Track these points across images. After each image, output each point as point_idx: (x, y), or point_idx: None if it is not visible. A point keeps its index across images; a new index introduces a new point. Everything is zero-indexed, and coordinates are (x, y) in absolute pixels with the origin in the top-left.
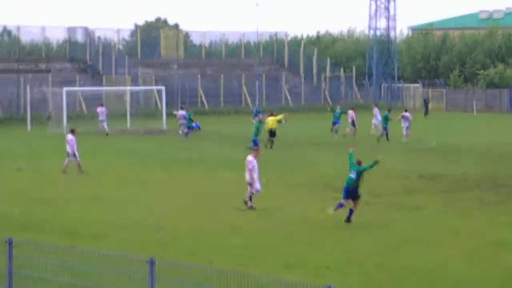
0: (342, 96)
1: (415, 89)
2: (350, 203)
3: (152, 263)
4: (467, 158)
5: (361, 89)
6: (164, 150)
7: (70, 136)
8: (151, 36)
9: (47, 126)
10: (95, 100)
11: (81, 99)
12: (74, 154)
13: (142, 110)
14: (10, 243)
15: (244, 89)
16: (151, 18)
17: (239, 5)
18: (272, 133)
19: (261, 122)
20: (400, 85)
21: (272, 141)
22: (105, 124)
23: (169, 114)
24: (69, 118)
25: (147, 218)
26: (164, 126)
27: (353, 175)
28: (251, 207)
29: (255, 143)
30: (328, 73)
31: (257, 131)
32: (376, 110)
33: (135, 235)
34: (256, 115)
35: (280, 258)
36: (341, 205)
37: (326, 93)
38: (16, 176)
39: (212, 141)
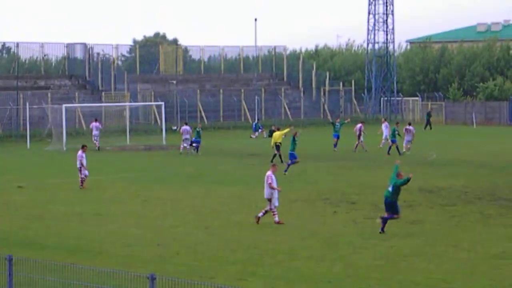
0: (341, 109)
1: (414, 102)
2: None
3: (152, 279)
4: (467, 171)
5: (360, 102)
6: (164, 165)
7: (79, 152)
8: (150, 51)
9: (47, 143)
10: (94, 117)
11: (81, 116)
12: (80, 170)
13: (141, 126)
14: (10, 260)
15: (244, 103)
16: (150, 33)
17: (237, 19)
18: (277, 148)
19: (295, 136)
20: (399, 98)
21: (279, 155)
22: (98, 140)
23: (169, 130)
24: (68, 134)
25: (147, 234)
26: (164, 142)
27: (390, 188)
28: (257, 218)
29: (293, 156)
30: (327, 87)
31: (294, 145)
32: (385, 124)
33: (136, 251)
34: (255, 130)
35: (281, 273)
36: (386, 219)
37: (326, 107)
38: (16, 193)
39: (211, 156)
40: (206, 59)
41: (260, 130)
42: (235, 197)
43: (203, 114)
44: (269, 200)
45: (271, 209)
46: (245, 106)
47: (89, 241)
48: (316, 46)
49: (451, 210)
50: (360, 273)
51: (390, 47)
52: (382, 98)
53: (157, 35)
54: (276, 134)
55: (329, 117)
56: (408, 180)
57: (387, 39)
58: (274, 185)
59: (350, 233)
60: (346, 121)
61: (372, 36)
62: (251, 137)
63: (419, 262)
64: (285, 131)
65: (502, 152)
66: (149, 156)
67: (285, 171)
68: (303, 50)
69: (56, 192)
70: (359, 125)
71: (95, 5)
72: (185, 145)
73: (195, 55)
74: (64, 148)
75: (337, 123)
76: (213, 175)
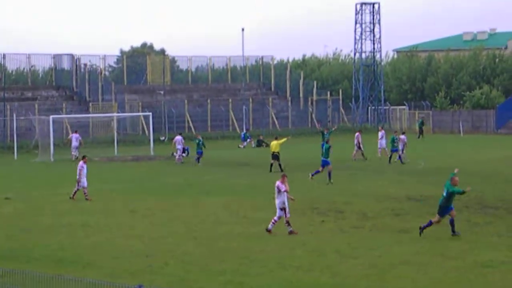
0: (329, 119)
1: (402, 111)
2: (447, 217)
3: None
4: None
5: (348, 112)
6: (152, 176)
7: (80, 163)
8: (137, 62)
9: (34, 154)
10: (81, 128)
11: (68, 127)
12: (79, 181)
13: (129, 136)
14: None
15: (231, 113)
16: (137, 44)
17: (224, 29)
18: (275, 157)
19: (327, 143)
20: (386, 107)
21: (273, 164)
22: (77, 151)
23: (157, 140)
24: (55, 146)
25: (135, 244)
26: (152, 153)
27: (444, 193)
28: (291, 232)
29: (326, 162)
30: (314, 97)
31: (327, 152)
32: (381, 133)
33: (124, 262)
34: (244, 139)
35: (270, 283)
36: (430, 223)
37: (313, 116)
38: (3, 204)
39: (199, 166)
40: (193, 69)
41: (248, 140)
42: (224, 207)
43: (191, 124)
44: (283, 209)
45: (287, 217)
46: (233, 116)
47: (77, 252)
48: (303, 56)
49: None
50: (348, 282)
51: (377, 56)
52: (369, 107)
53: (144, 45)
54: (274, 143)
55: (317, 126)
56: (463, 192)
57: (374, 48)
58: (284, 188)
59: (338, 242)
60: (333, 129)
61: (359, 45)
62: (239, 147)
63: (407, 271)
64: (283, 140)
65: (489, 160)
66: (137, 167)
67: (329, 180)
68: (290, 59)
69: (44, 203)
70: (356, 134)
71: (82, 15)
72: (175, 154)
73: (183, 65)
74: (52, 159)
75: (325, 133)
76: (201, 185)
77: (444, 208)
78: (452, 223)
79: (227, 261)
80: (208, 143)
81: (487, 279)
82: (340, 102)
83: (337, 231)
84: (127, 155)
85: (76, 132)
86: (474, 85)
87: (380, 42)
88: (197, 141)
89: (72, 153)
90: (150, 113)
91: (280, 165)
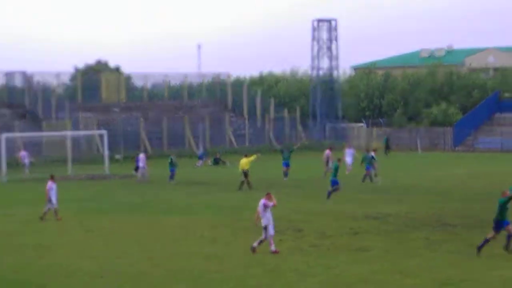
0: (286, 137)
1: (360, 128)
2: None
3: None
4: (413, 197)
5: (306, 129)
6: (107, 195)
7: (49, 183)
8: (92, 79)
9: None
10: (35, 146)
11: (21, 145)
12: (50, 200)
13: (84, 155)
14: None
15: (188, 131)
16: (91, 61)
17: (181, 46)
18: (245, 174)
19: (339, 162)
20: (344, 125)
21: (247, 182)
22: (27, 169)
23: (112, 159)
24: (8, 165)
25: (90, 264)
26: (107, 171)
27: (497, 208)
28: (253, 248)
29: (335, 182)
30: (272, 114)
31: (336, 171)
32: (349, 151)
33: (77, 283)
34: (201, 158)
35: None
36: (486, 241)
37: (271, 134)
38: None
39: (155, 185)
40: (149, 87)
41: (205, 158)
42: (180, 227)
43: (146, 142)
44: (265, 228)
45: (266, 238)
46: (189, 134)
47: (30, 273)
48: (261, 73)
49: (397, 237)
50: None
51: (335, 73)
52: (327, 125)
53: (99, 62)
54: (243, 161)
55: (274, 144)
56: (510, 198)
57: (331, 65)
58: (273, 203)
59: (296, 261)
60: (294, 148)
61: (317, 62)
62: (196, 165)
63: None
64: (252, 158)
65: (447, 177)
66: (92, 186)
67: (329, 194)
68: (247, 76)
69: None
70: (327, 151)
71: (35, 32)
72: (134, 173)
73: (139, 83)
74: (5, 180)
75: (285, 151)
76: (157, 204)
77: (498, 223)
78: (508, 238)
79: (183, 281)
80: (164, 161)
81: None
82: (298, 119)
83: (296, 249)
84: (81, 174)
85: (24, 150)
86: (431, 102)
87: (337, 59)
88: (169, 160)
89: (26, 171)
90: (105, 131)
91: (243, 182)
